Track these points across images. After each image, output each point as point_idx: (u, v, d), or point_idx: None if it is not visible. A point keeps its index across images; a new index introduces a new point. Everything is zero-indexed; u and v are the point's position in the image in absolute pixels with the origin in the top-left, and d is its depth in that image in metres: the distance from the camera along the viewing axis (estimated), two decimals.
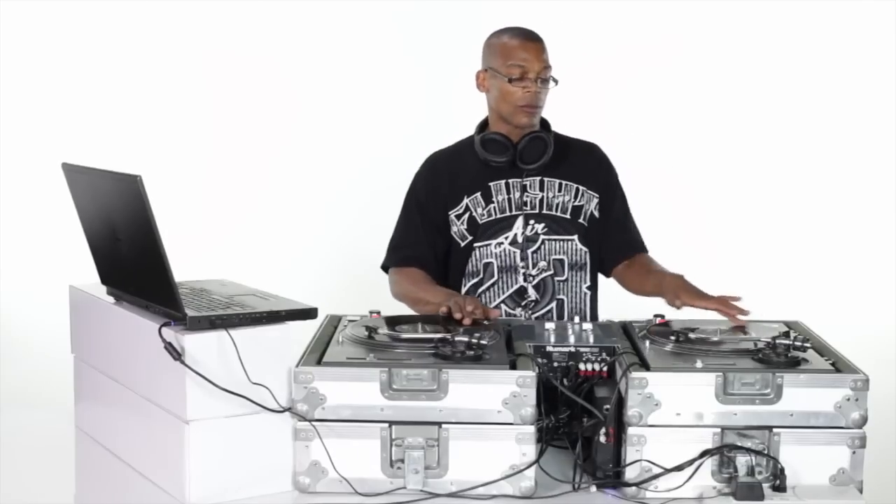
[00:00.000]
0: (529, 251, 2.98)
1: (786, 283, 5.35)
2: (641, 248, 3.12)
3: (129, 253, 2.34)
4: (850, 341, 2.64)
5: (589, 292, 3.04)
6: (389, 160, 5.43)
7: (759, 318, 2.63)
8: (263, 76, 5.46)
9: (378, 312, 2.62)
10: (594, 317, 3.04)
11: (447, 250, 3.04)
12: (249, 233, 5.43)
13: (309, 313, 2.34)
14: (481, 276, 2.99)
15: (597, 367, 2.40)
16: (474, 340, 2.30)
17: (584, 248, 3.02)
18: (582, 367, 2.41)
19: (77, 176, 2.45)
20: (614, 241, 3.08)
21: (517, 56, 2.92)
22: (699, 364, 2.26)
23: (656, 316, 2.62)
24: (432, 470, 2.22)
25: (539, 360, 2.39)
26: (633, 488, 2.20)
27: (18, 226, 5.39)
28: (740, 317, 2.59)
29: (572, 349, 2.45)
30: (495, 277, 2.99)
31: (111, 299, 2.52)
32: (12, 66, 5.39)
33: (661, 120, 5.41)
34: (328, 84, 5.46)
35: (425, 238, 3.02)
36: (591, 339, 2.49)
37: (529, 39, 2.95)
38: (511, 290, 2.97)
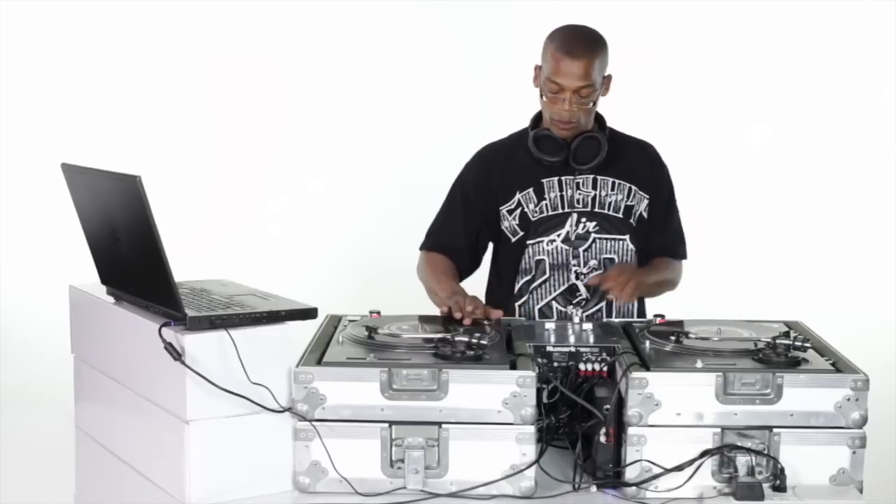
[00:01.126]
0: (581, 249, 2.96)
1: (786, 283, 5.35)
2: (675, 255, 3.10)
3: (129, 253, 2.34)
4: (850, 341, 2.64)
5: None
6: (390, 160, 5.44)
7: (759, 318, 2.63)
8: (262, 76, 5.46)
9: (378, 312, 2.62)
10: (641, 317, 3.01)
11: (496, 245, 3.04)
12: (249, 233, 5.43)
13: (309, 313, 2.34)
14: (533, 272, 2.98)
15: (597, 367, 2.40)
16: (474, 340, 2.30)
17: (633, 248, 3.00)
18: (582, 367, 2.41)
19: (77, 176, 2.45)
20: (652, 247, 3.05)
21: (556, 71, 2.84)
22: (699, 364, 2.27)
23: (656, 316, 2.62)
24: (432, 470, 2.22)
25: (539, 360, 2.39)
26: (633, 488, 2.20)
27: (18, 226, 5.39)
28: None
29: (572, 349, 2.45)
30: (547, 274, 2.98)
31: (111, 299, 2.52)
32: (12, 66, 5.38)
33: (661, 120, 5.41)
34: (326, 83, 5.46)
35: (463, 229, 3.01)
36: (591, 339, 2.49)
37: (571, 56, 2.84)
38: (562, 288, 2.96)
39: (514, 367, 2.26)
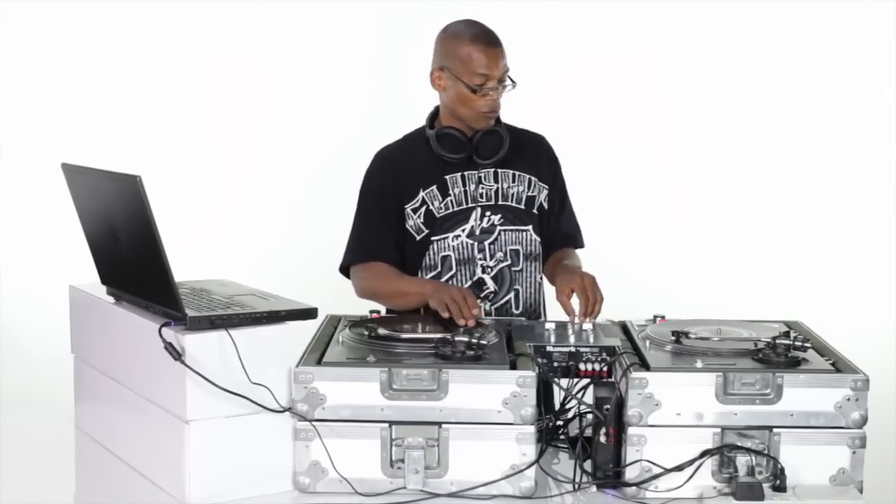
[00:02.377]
0: (486, 242, 2.97)
1: (786, 283, 5.35)
2: (573, 244, 3.11)
3: (129, 253, 2.34)
4: (850, 341, 2.64)
5: (542, 281, 3.05)
6: None
7: (759, 318, 2.63)
8: (262, 77, 5.46)
9: (378, 312, 2.62)
10: (544, 307, 3.05)
11: (401, 245, 3.01)
12: (249, 233, 5.43)
13: (309, 313, 2.34)
14: (439, 269, 2.98)
15: (597, 367, 2.40)
16: (474, 340, 2.30)
17: (537, 238, 3.03)
18: (582, 367, 2.41)
19: (77, 176, 2.45)
20: (550, 236, 3.07)
21: (479, 65, 2.87)
22: (699, 364, 2.26)
23: (656, 316, 2.62)
24: (432, 470, 2.22)
25: (539, 360, 2.39)
26: (633, 488, 2.20)
27: (18, 226, 5.39)
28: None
29: (572, 349, 2.45)
30: (453, 270, 2.98)
31: (111, 299, 2.52)
32: (12, 66, 5.38)
33: (661, 119, 5.42)
34: (326, 83, 5.46)
35: (387, 232, 2.97)
36: (591, 339, 2.49)
37: (490, 45, 2.89)
38: (469, 283, 2.96)
39: (514, 367, 2.26)
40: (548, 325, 2.59)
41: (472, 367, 2.24)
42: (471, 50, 2.89)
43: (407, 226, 2.98)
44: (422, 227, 2.97)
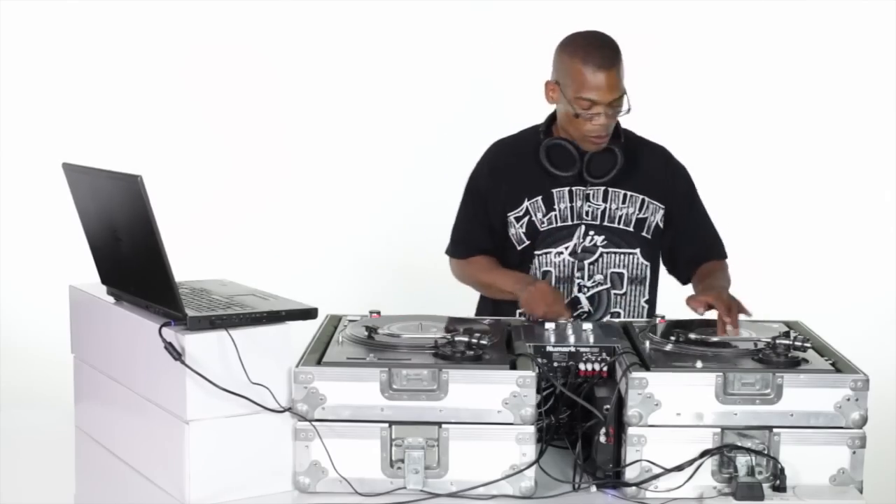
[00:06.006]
0: (587, 262, 2.92)
1: (786, 283, 5.34)
2: (713, 256, 3.03)
3: (129, 253, 2.34)
4: (850, 341, 2.64)
5: (647, 306, 2.98)
6: (390, 160, 5.44)
7: (760, 318, 2.63)
8: (262, 76, 5.46)
9: (378, 312, 2.62)
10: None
11: (502, 251, 3.00)
12: (249, 233, 5.43)
13: (309, 313, 2.34)
14: None
15: (597, 367, 2.40)
16: (474, 340, 2.30)
17: (646, 263, 2.95)
18: (582, 367, 2.41)
19: (77, 176, 2.45)
20: (685, 253, 3.00)
21: (588, 87, 2.76)
22: (699, 364, 2.26)
23: (656, 316, 2.62)
24: (432, 470, 2.22)
25: (539, 360, 2.39)
26: (633, 488, 2.20)
27: (18, 226, 5.39)
28: (729, 329, 2.51)
29: (572, 349, 2.44)
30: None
31: (111, 299, 2.52)
32: (12, 66, 5.38)
33: (660, 119, 5.41)
34: (326, 83, 5.46)
35: (488, 228, 2.97)
36: (591, 339, 2.49)
37: (601, 68, 2.76)
38: (566, 301, 2.92)
39: (514, 367, 2.26)
40: (548, 325, 2.59)
41: (472, 367, 2.24)
42: (580, 71, 2.77)
43: (509, 233, 2.96)
44: (523, 237, 2.94)
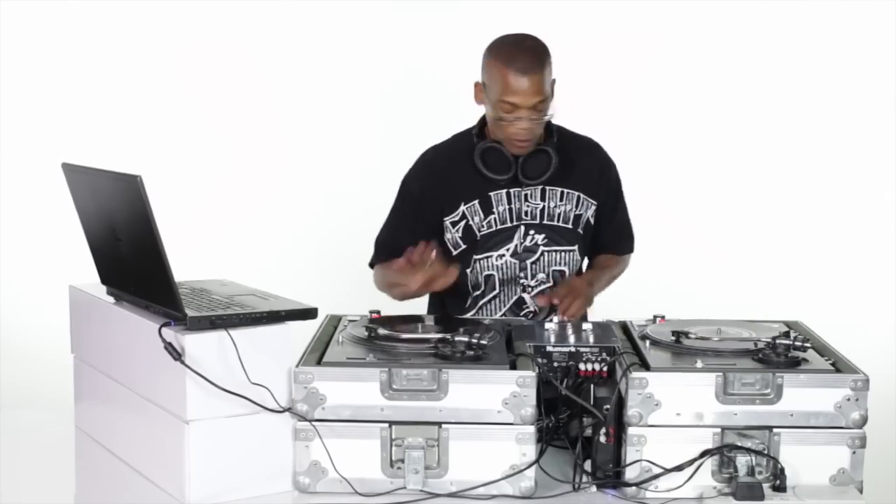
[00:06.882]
0: (528, 262, 2.93)
1: (786, 283, 5.34)
2: (615, 250, 3.07)
3: (129, 253, 2.34)
4: (850, 341, 2.64)
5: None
6: (390, 159, 5.42)
7: (759, 318, 2.63)
8: (263, 76, 5.46)
9: (378, 312, 2.62)
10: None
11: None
12: (249, 233, 5.43)
13: (309, 313, 2.34)
14: (482, 288, 2.95)
15: (597, 367, 2.40)
16: (474, 340, 2.30)
17: (580, 259, 3.00)
18: (582, 367, 2.41)
19: (77, 176, 2.45)
20: (595, 242, 3.04)
21: (510, 90, 2.73)
22: (699, 364, 2.27)
23: (656, 316, 2.63)
24: (432, 470, 2.22)
25: (539, 360, 2.39)
26: (633, 488, 2.20)
27: (18, 226, 5.39)
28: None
29: (572, 349, 2.45)
30: (497, 290, 2.94)
31: (111, 299, 2.52)
32: (12, 66, 5.38)
33: (660, 119, 5.41)
34: (326, 83, 5.45)
35: (414, 234, 2.88)
36: (591, 339, 2.49)
37: (523, 73, 2.73)
38: (510, 302, 2.94)
39: (514, 367, 2.26)
40: (548, 325, 2.59)
41: (472, 367, 2.24)
42: (502, 74, 2.75)
43: (445, 238, 2.93)
44: (459, 241, 2.92)
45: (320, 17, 5.46)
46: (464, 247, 2.93)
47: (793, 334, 2.36)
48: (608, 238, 3.06)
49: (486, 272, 2.92)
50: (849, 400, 2.20)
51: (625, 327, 2.61)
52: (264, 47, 5.47)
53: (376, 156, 5.45)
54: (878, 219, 5.50)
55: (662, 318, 2.62)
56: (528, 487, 2.21)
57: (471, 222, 2.91)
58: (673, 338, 2.42)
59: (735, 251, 5.49)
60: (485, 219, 2.91)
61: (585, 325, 2.59)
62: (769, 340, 2.33)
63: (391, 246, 2.94)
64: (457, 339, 2.31)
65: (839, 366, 2.29)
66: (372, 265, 3.06)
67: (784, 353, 2.29)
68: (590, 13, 5.32)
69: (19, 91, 5.39)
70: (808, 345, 2.31)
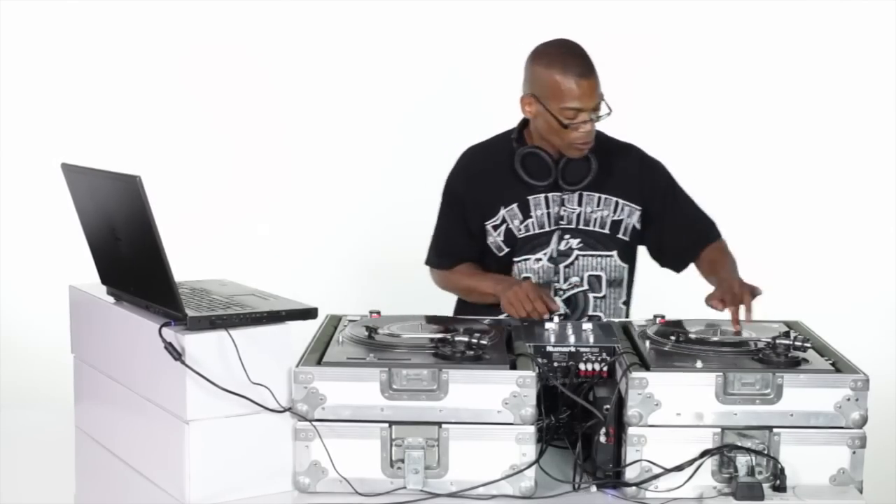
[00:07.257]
0: (562, 266, 2.94)
1: (786, 283, 5.34)
2: (709, 240, 3.03)
3: (129, 253, 2.34)
4: (850, 341, 2.64)
5: (625, 307, 3.02)
6: (390, 160, 5.44)
7: (760, 318, 2.63)
8: (263, 76, 5.46)
9: (378, 312, 2.62)
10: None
11: (482, 258, 3.01)
12: (249, 233, 5.42)
13: (309, 313, 2.34)
14: None
15: (597, 367, 2.40)
16: (474, 340, 2.30)
17: (624, 265, 2.98)
18: (582, 367, 2.41)
19: (76, 176, 2.45)
20: (680, 243, 3.01)
21: (571, 97, 2.79)
22: (699, 364, 2.26)
23: (656, 316, 2.62)
24: (432, 470, 2.22)
25: (539, 360, 2.39)
26: (633, 488, 2.20)
27: (18, 226, 5.38)
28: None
29: (572, 349, 2.45)
30: None
31: (111, 299, 2.52)
32: (12, 66, 5.38)
33: (660, 118, 5.41)
34: (325, 83, 5.45)
35: (469, 235, 2.99)
36: (591, 339, 2.49)
37: (583, 77, 2.79)
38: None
39: (514, 367, 2.26)
40: (548, 325, 2.59)
41: (472, 367, 2.24)
42: (563, 82, 2.79)
43: (488, 242, 2.97)
44: (502, 245, 2.96)
45: (320, 17, 5.46)
46: (507, 250, 2.96)
47: (793, 334, 2.36)
48: (693, 233, 3.02)
49: (524, 274, 2.94)
50: (849, 400, 2.20)
51: (625, 327, 2.61)
52: (262, 47, 5.47)
53: (376, 156, 5.45)
54: (879, 219, 5.50)
55: (662, 318, 2.61)
56: (528, 487, 2.21)
57: (510, 226, 2.95)
58: (673, 338, 2.41)
59: (735, 251, 5.49)
60: (523, 222, 2.94)
61: (585, 326, 2.59)
62: (769, 340, 2.33)
63: (448, 251, 3.04)
64: (457, 339, 2.31)
65: (839, 366, 2.29)
66: (433, 265, 3.10)
67: (784, 353, 2.29)
68: (590, 13, 5.32)
69: (19, 91, 5.39)
70: (808, 345, 2.31)
